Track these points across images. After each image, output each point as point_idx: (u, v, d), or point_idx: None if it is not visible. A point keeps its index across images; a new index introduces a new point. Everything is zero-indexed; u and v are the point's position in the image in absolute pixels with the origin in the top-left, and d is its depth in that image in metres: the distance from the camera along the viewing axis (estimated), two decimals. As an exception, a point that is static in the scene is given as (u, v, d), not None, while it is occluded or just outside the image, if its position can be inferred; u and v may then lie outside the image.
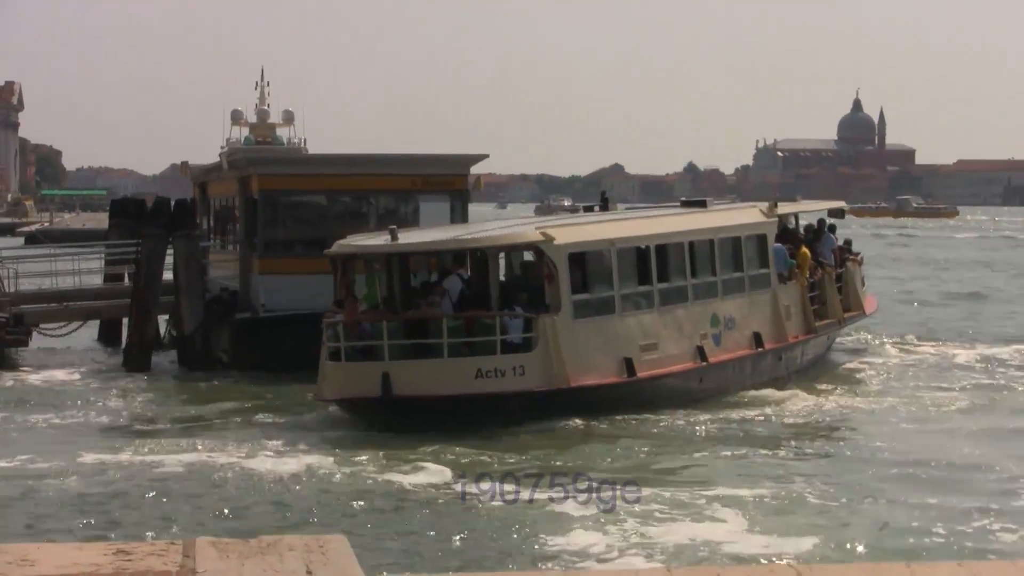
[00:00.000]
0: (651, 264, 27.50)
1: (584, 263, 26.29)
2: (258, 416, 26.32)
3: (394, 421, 24.38)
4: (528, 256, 27.80)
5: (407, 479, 20.78)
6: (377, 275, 26.83)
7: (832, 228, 35.41)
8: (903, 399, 28.26)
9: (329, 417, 25.99)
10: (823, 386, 30.03)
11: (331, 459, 22.30)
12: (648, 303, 27.29)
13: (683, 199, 38.82)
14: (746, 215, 31.82)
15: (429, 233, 28.11)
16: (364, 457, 22.45)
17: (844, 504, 19.27)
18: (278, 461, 22.05)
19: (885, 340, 38.43)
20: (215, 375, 31.76)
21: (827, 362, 33.46)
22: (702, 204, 33.39)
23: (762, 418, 26.10)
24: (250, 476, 20.91)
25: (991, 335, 41.16)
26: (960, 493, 19.75)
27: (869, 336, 38.57)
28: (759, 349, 29.70)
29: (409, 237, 26.30)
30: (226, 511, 18.89)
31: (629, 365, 26.16)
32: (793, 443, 23.70)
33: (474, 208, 35.98)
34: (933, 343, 38.31)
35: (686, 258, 28.44)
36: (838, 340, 35.91)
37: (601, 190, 37.26)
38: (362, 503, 19.29)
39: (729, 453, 22.82)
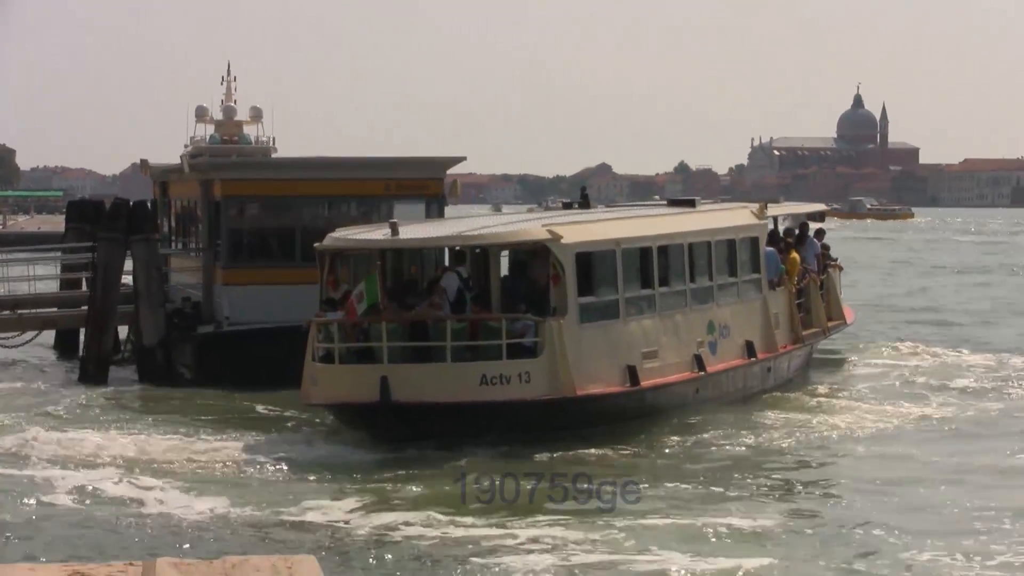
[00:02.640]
0: (653, 266, 27.45)
1: (590, 264, 26.11)
2: (225, 433, 26.17)
3: (392, 428, 24.17)
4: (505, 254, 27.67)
5: (384, 500, 20.76)
6: (376, 272, 26.33)
7: (820, 233, 35.33)
8: (890, 416, 28.19)
9: (298, 434, 25.90)
10: (816, 400, 30.01)
11: (303, 477, 22.30)
12: (650, 308, 27.19)
13: (669, 198, 38.77)
14: (739, 216, 31.74)
15: (430, 228, 27.87)
16: (339, 475, 22.44)
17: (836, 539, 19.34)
18: (244, 480, 22.04)
19: (864, 346, 38.69)
20: (177, 390, 31.59)
21: (811, 373, 33.51)
22: (691, 203, 33.32)
23: (760, 438, 26.01)
24: (216, 497, 20.87)
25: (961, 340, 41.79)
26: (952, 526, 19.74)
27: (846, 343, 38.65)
28: (752, 359, 29.73)
29: (409, 232, 26.12)
30: (189, 532, 18.87)
31: (632, 373, 26.09)
32: (789, 470, 23.62)
33: (469, 209, 35.90)
34: (910, 349, 38.56)
35: (685, 261, 28.43)
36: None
37: (582, 186, 37.35)
38: (334, 524, 19.29)
39: (733, 481, 22.53)
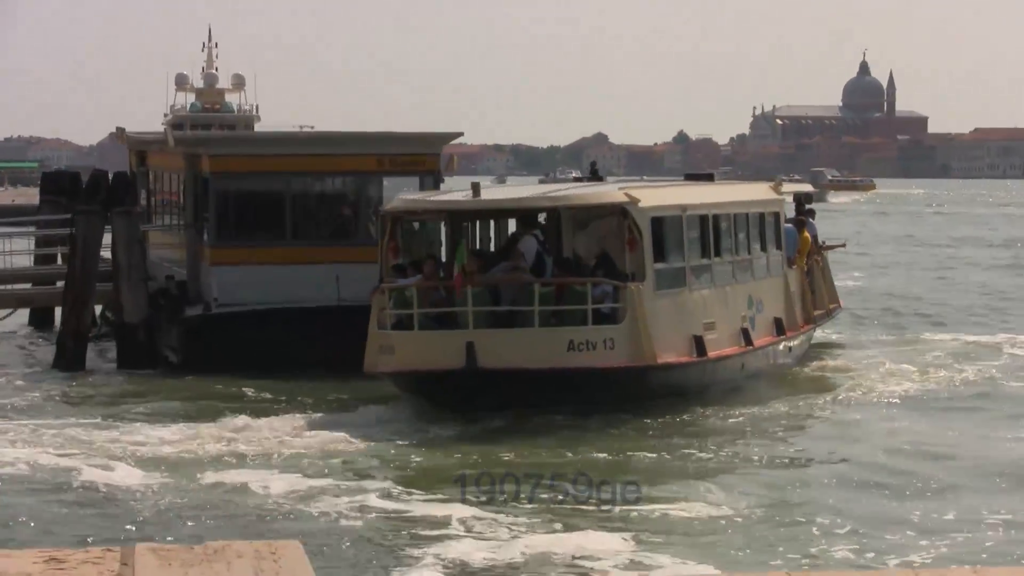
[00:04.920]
0: (710, 235, 27.92)
1: (662, 229, 26.53)
2: (215, 415, 25.97)
3: (477, 395, 24.29)
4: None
5: (378, 488, 20.67)
6: (466, 235, 27.05)
7: (811, 213, 35.45)
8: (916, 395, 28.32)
9: (299, 419, 25.60)
10: (837, 380, 30.10)
11: (293, 463, 22.26)
12: (708, 278, 27.68)
13: (688, 172, 39.00)
14: (762, 191, 32.14)
15: (505, 191, 28.78)
16: (330, 461, 22.34)
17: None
18: (229, 465, 22.00)
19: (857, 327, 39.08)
20: (163, 371, 31.46)
21: (818, 354, 33.61)
22: (709, 178, 33.51)
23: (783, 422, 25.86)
24: (198, 482, 20.83)
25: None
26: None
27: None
28: (781, 336, 30.12)
29: (490, 194, 26.68)
30: (170, 518, 18.83)
31: (699, 344, 26.45)
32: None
33: (464, 181, 35.80)
34: (909, 332, 38.68)
35: (732, 232, 28.98)
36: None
37: (591, 161, 37.38)
38: (322, 510, 19.25)
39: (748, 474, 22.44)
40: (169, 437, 24.02)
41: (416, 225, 28.76)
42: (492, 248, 28.71)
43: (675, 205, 27.19)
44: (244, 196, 33.05)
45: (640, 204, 25.69)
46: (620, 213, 25.82)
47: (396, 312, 25.10)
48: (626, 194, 26.00)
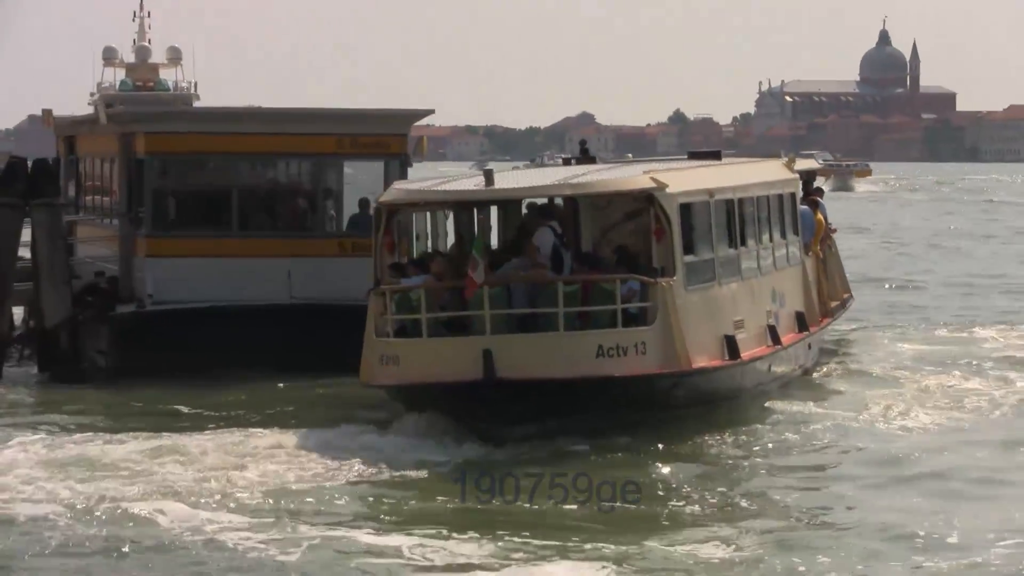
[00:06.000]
0: (736, 223, 27.99)
1: (690, 218, 26.47)
2: (148, 432, 25.57)
3: (497, 409, 24.14)
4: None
5: (335, 516, 20.69)
6: (484, 229, 27.26)
7: (820, 192, 35.62)
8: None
9: (245, 436, 25.40)
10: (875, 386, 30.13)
11: (235, 491, 22.10)
12: (735, 270, 27.75)
13: (690, 151, 39.04)
14: (775, 169, 32.22)
15: (522, 177, 28.54)
16: (283, 487, 22.28)
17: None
18: (165, 492, 21.80)
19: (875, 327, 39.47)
20: (89, 379, 31.36)
21: (835, 351, 33.74)
22: (716, 156, 33.61)
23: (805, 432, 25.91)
24: (130, 512, 20.57)
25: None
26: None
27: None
28: (804, 332, 30.27)
29: (505, 181, 26.65)
30: (97, 556, 18.70)
31: (731, 345, 26.41)
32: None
33: (435, 168, 35.94)
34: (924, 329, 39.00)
35: (756, 217, 29.08)
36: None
37: (581, 140, 37.26)
38: (275, 545, 19.14)
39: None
40: (94, 458, 23.72)
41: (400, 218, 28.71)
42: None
43: (702, 190, 27.13)
44: (184, 180, 33.05)
45: (668, 190, 25.53)
46: (646, 200, 25.69)
47: (398, 317, 24.98)
48: (652, 178, 25.75)
